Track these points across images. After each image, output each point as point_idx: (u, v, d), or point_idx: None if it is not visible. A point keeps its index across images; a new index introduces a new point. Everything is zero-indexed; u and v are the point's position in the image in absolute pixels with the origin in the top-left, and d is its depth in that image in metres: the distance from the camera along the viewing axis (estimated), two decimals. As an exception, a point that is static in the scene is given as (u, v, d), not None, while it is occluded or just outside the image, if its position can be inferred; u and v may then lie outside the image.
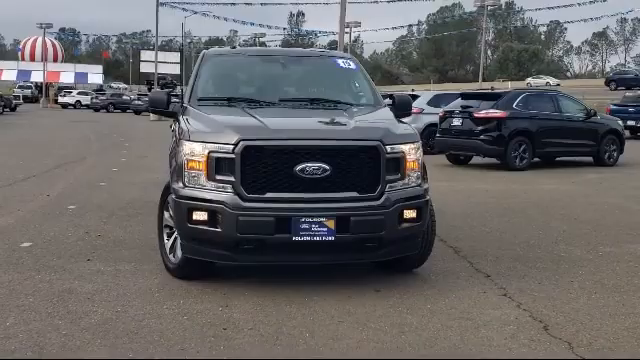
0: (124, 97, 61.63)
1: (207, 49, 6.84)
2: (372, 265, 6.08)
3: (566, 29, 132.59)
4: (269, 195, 5.13)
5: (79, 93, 67.17)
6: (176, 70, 73.52)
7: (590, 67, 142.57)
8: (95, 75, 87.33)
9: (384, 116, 6.08)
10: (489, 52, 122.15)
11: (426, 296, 5.41)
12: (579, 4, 63.52)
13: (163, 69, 59.91)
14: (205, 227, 5.19)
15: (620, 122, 17.51)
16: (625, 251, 7.15)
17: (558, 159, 16.70)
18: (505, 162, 15.30)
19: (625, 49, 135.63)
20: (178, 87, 77.81)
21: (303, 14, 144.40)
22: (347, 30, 51.54)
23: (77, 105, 63.69)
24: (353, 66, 7.02)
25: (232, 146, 5.12)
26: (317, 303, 5.15)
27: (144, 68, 74.50)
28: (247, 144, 5.10)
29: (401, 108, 6.62)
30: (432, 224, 5.91)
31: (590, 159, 16.74)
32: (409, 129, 5.76)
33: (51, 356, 4.09)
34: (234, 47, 7.38)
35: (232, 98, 6.35)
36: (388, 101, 6.75)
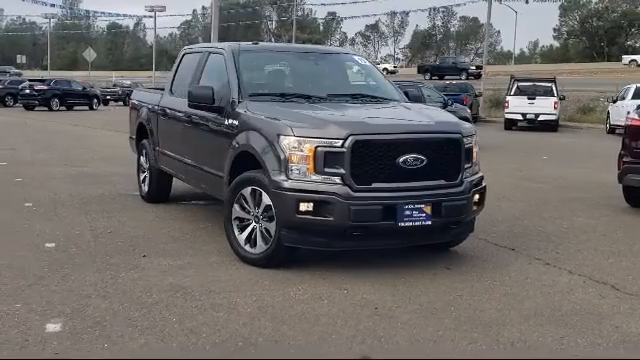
0: None
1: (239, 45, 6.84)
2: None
3: (342, 20, 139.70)
4: (375, 185, 5.57)
5: None
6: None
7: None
8: None
9: (440, 110, 6.72)
10: (273, 40, 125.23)
11: (491, 270, 6.13)
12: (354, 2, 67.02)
13: None
14: (314, 217, 5.49)
15: (469, 110, 19.48)
16: (577, 224, 8.36)
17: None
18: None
19: (394, 41, 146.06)
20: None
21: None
22: (152, 14, 50.40)
23: None
24: (368, 63, 7.55)
25: (342, 140, 5.47)
26: (417, 280, 5.67)
27: None
28: (357, 139, 5.48)
29: (414, 102, 7.33)
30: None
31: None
32: (469, 123, 6.46)
33: (265, 345, 4.27)
34: (256, 43, 7.51)
35: (284, 94, 6.61)
36: None
